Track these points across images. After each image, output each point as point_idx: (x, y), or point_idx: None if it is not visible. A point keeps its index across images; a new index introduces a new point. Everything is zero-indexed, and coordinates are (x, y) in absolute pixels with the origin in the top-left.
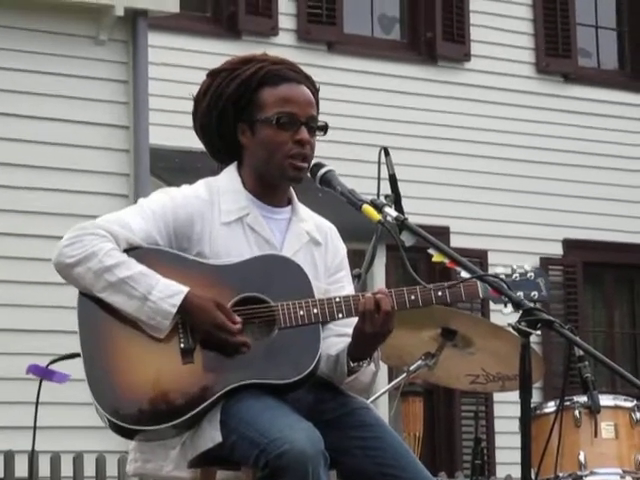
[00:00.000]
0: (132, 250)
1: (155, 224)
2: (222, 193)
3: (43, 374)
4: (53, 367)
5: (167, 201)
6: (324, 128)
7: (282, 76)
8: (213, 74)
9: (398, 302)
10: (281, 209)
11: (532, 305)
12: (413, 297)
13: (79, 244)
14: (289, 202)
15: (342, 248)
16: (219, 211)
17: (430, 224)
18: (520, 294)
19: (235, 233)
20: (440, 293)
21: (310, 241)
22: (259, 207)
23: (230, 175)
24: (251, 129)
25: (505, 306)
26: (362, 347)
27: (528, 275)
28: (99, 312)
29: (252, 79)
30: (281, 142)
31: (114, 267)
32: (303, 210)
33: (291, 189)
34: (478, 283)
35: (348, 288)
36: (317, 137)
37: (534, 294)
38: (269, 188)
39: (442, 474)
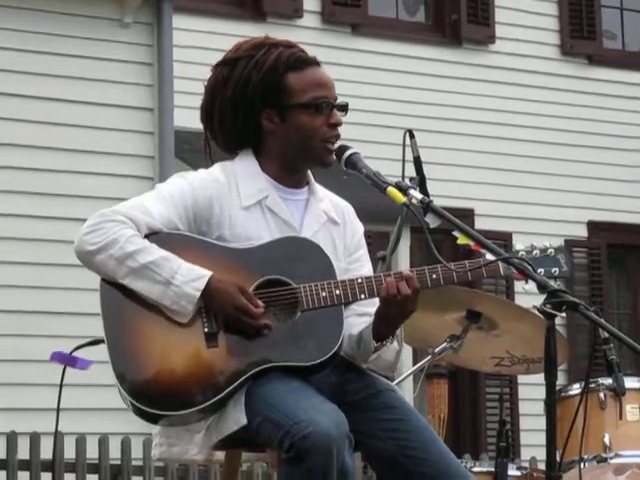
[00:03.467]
0: (153, 235)
1: (174, 209)
2: (239, 176)
3: (66, 361)
4: (76, 354)
5: (185, 185)
6: (346, 108)
7: (304, 60)
8: (229, 63)
9: (420, 281)
10: (299, 190)
11: (557, 287)
12: (435, 276)
13: (100, 231)
14: (306, 183)
15: (360, 227)
16: (238, 195)
17: (455, 206)
18: (541, 271)
19: (255, 216)
20: (461, 272)
21: (328, 221)
22: (277, 189)
23: (247, 159)
24: (280, 115)
25: (526, 282)
26: (385, 327)
27: (548, 252)
28: (122, 298)
29: (278, 65)
30: (318, 127)
31: (136, 253)
32: (320, 190)
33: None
34: (499, 262)
35: (367, 266)
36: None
37: (555, 270)
38: (292, 172)
39: (467, 456)
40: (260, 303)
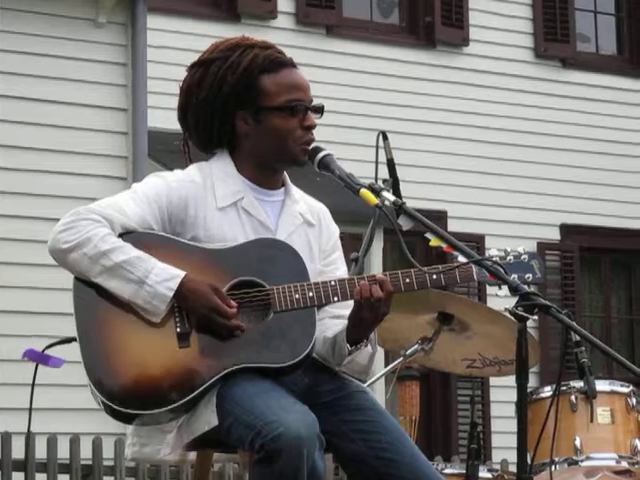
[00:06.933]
0: (127, 234)
1: (149, 208)
2: (215, 177)
3: (39, 359)
4: (49, 352)
5: (161, 185)
6: (321, 110)
7: (279, 62)
8: (204, 64)
9: (393, 285)
10: (274, 191)
11: (529, 289)
12: (408, 280)
13: (74, 230)
14: (282, 184)
15: (335, 229)
16: (213, 196)
17: (427, 208)
18: (514, 277)
19: (230, 217)
20: (435, 276)
21: (304, 222)
22: (253, 190)
23: (223, 160)
24: (254, 117)
25: (500, 288)
26: (359, 330)
27: (522, 257)
28: (95, 297)
29: (252, 66)
30: (291, 129)
31: (110, 252)
32: (296, 192)
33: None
34: (473, 266)
35: (342, 269)
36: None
37: (528, 276)
38: (267, 173)
39: (438, 458)
40: (233, 303)
